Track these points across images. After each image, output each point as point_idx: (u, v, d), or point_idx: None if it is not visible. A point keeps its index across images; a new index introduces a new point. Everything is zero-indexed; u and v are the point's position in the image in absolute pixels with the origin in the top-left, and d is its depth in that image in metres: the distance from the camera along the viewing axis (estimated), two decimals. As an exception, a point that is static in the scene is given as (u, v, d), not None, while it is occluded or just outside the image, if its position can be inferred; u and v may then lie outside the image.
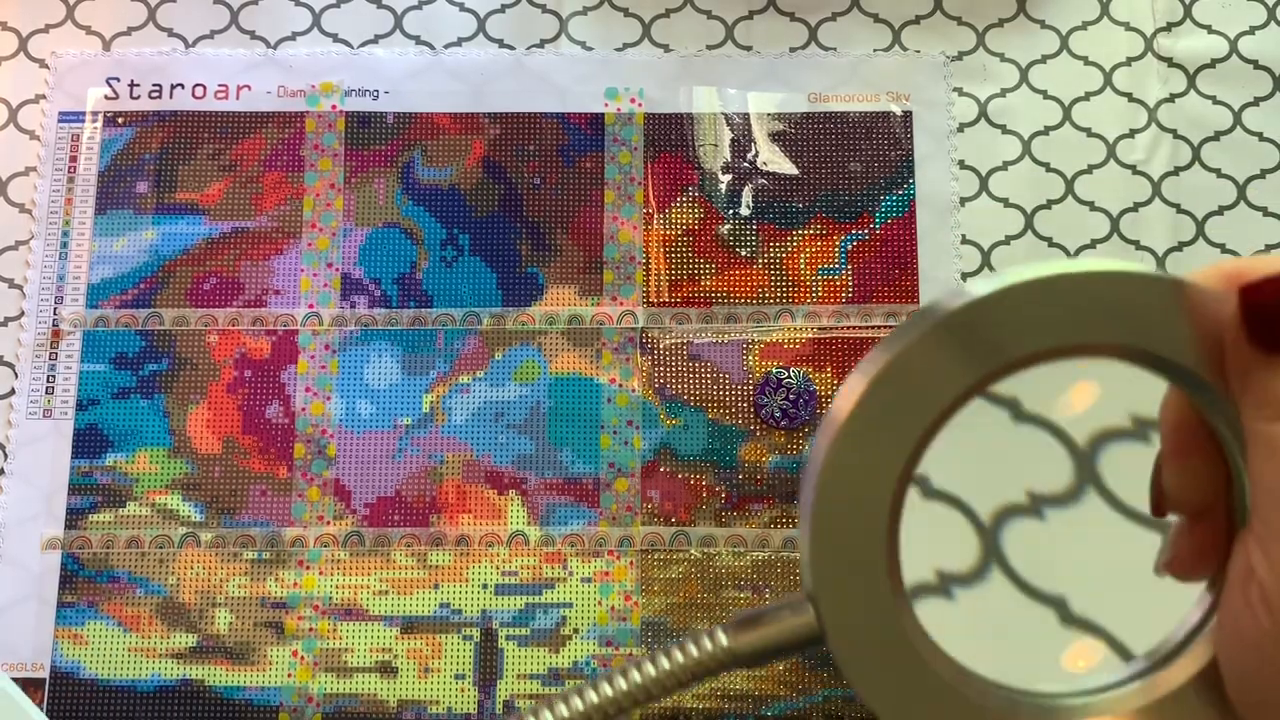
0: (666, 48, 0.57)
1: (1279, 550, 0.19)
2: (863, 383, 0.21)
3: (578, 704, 0.22)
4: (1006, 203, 0.56)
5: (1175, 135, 0.56)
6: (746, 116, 0.56)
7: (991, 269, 0.55)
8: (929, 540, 0.23)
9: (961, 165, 0.56)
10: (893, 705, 0.21)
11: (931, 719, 0.21)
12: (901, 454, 0.21)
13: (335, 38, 0.57)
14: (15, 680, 0.50)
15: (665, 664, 0.22)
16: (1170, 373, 0.22)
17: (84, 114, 0.56)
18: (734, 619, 0.22)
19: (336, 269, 0.55)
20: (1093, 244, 0.55)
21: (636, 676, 0.22)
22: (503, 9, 0.58)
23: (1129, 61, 0.57)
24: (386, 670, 0.51)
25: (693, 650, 0.22)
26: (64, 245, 0.54)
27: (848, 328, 0.54)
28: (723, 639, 0.22)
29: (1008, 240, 0.55)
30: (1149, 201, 0.56)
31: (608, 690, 0.22)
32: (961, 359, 0.21)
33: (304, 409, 0.53)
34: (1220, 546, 0.21)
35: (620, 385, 0.53)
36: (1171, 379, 0.22)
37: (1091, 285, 0.22)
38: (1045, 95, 0.57)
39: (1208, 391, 0.21)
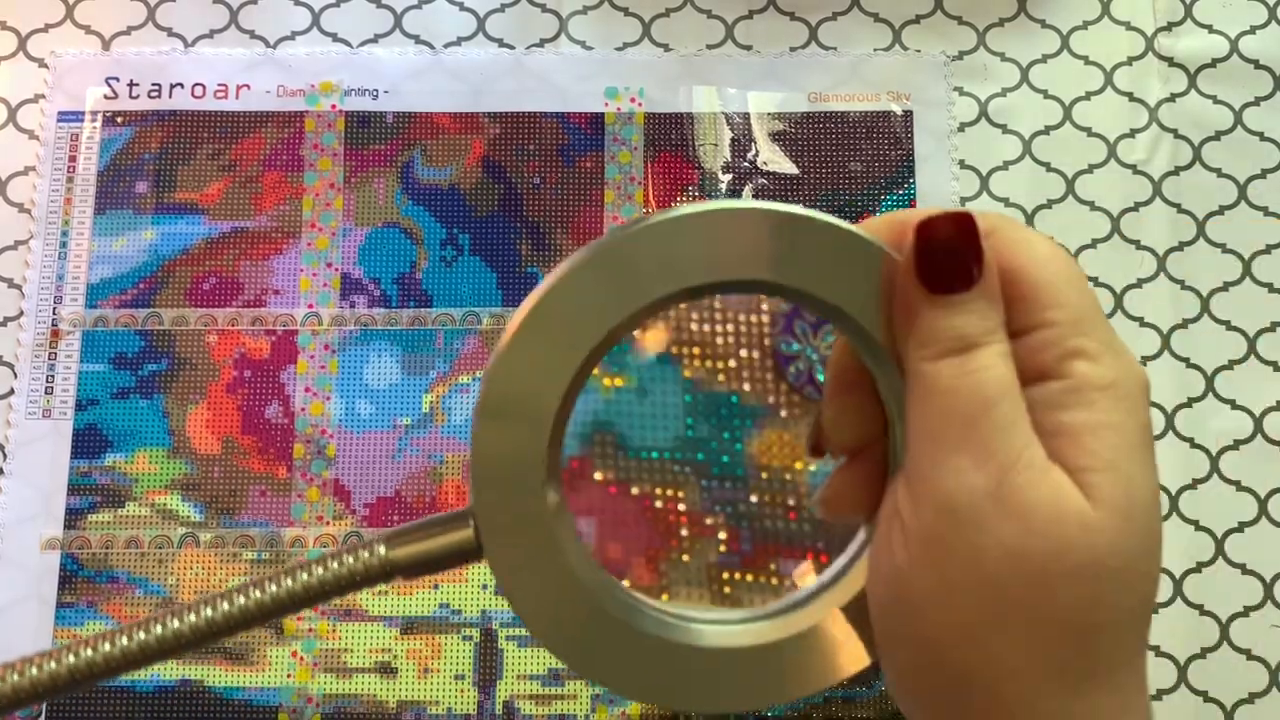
0: (666, 47, 0.57)
1: (923, 488, 0.19)
2: (526, 305, 0.22)
3: (225, 606, 0.21)
4: (1007, 202, 0.56)
5: (1176, 135, 0.56)
6: (747, 116, 0.56)
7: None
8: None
9: (962, 165, 0.56)
10: (544, 619, 0.22)
11: (578, 632, 0.22)
12: (567, 372, 0.21)
13: (335, 37, 0.57)
14: (14, 681, 0.50)
15: (320, 571, 0.22)
16: (835, 319, 0.22)
17: (83, 113, 0.56)
18: (393, 530, 0.22)
19: (336, 269, 0.55)
20: (1093, 243, 0.55)
21: (289, 582, 0.22)
22: (502, 8, 0.58)
23: (1130, 61, 0.57)
24: (386, 671, 0.51)
25: (349, 560, 0.22)
26: (63, 245, 0.54)
27: (848, 328, 0.54)
28: (381, 550, 0.22)
29: (1008, 240, 0.55)
30: (1150, 201, 0.56)
31: (257, 594, 0.22)
32: (613, 291, 0.21)
33: (303, 409, 0.53)
34: (874, 490, 0.22)
35: (620, 385, 0.53)
36: (836, 324, 0.22)
37: (767, 225, 0.22)
38: (1046, 95, 0.57)
39: (869, 342, 0.22)
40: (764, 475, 0.27)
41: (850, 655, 0.22)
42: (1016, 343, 0.19)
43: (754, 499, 0.27)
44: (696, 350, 0.27)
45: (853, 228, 0.21)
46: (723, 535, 0.26)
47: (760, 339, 0.27)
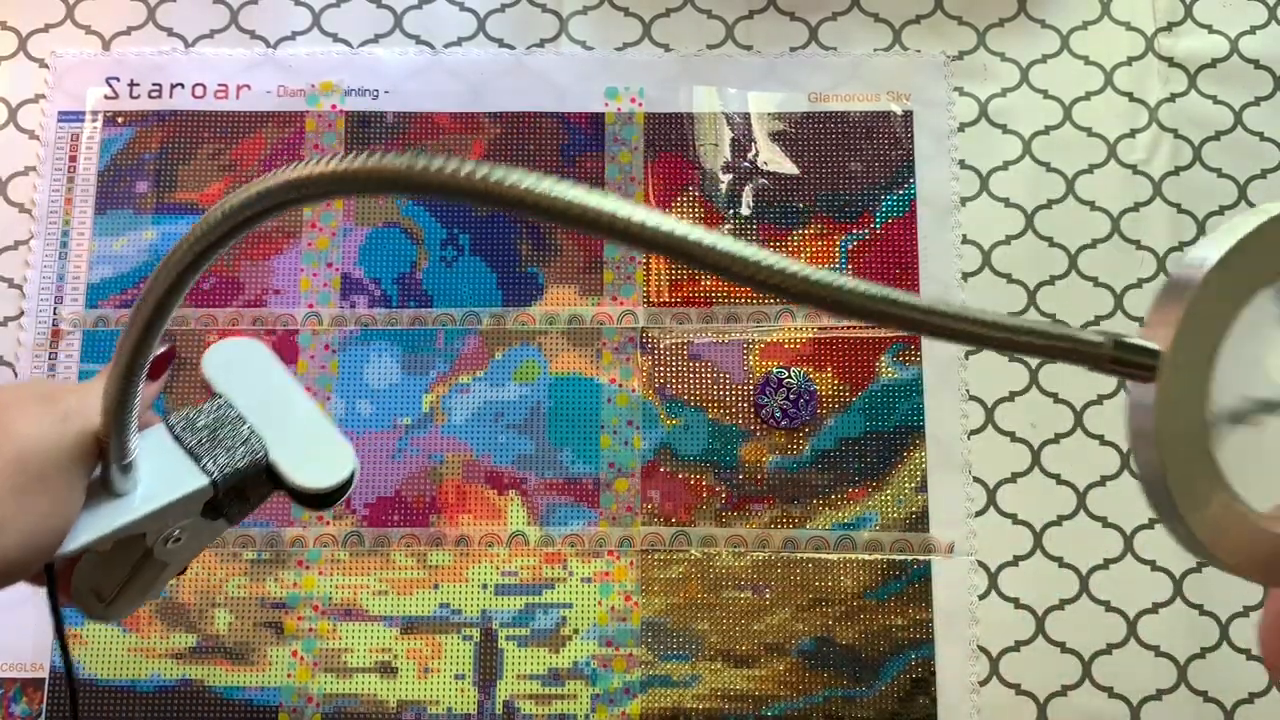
0: (667, 47, 0.57)
1: None
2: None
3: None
4: (1007, 202, 0.56)
5: (1176, 135, 0.56)
6: (747, 116, 0.56)
7: (992, 269, 0.55)
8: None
9: (962, 165, 0.56)
10: (1175, 455, 0.25)
11: (1199, 479, 0.26)
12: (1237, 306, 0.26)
13: (335, 37, 0.57)
14: (13, 680, 0.50)
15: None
16: None
17: (84, 113, 0.56)
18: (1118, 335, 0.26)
19: (336, 269, 0.55)
20: (1093, 243, 0.55)
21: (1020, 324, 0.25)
22: (502, 8, 0.58)
23: (1130, 61, 0.57)
24: (386, 670, 0.51)
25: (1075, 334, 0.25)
26: (64, 245, 0.54)
27: (848, 328, 0.54)
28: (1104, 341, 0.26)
29: (1008, 240, 0.55)
30: (1150, 201, 0.56)
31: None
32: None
33: (304, 409, 0.53)
34: None
35: (620, 385, 0.53)
36: None
37: None
38: (1046, 95, 0.57)
39: None
40: None
41: None
42: None
43: None
44: None
45: None
46: None
47: None
